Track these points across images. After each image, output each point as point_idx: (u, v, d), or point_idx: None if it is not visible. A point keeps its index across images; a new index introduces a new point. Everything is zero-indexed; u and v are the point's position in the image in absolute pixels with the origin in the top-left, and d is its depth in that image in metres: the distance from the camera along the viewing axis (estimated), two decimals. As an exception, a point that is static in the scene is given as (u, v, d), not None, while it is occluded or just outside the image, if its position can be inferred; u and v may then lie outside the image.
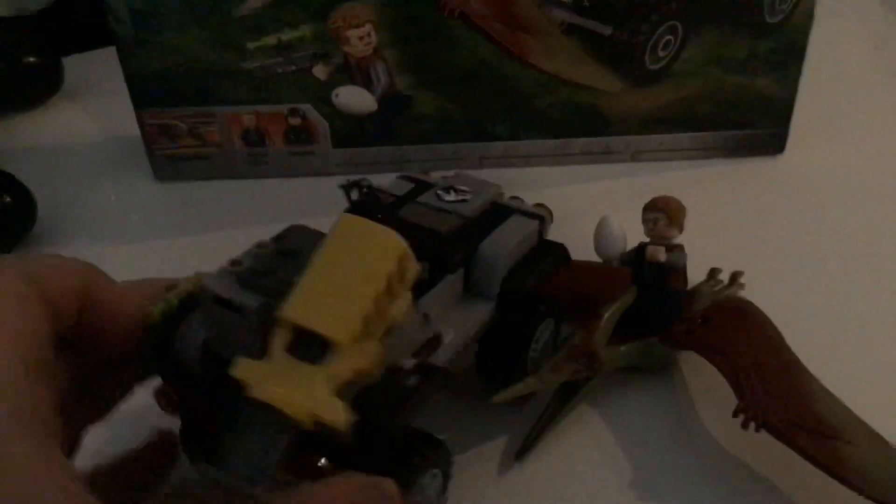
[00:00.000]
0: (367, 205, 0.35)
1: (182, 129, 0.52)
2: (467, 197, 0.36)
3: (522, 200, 0.39)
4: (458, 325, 0.33)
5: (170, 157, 0.53)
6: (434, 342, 0.31)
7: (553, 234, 0.48)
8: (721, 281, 0.40)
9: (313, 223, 0.33)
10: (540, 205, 0.39)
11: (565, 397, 0.37)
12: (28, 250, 0.48)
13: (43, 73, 0.63)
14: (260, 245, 0.30)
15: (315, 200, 0.53)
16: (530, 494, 0.34)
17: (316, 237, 0.30)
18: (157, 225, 0.51)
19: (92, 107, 0.64)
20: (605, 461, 0.35)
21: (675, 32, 0.49)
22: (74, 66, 0.64)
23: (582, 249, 0.44)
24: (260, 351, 0.26)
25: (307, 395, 0.24)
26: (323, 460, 0.27)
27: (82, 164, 0.57)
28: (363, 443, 0.26)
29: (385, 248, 0.26)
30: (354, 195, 0.35)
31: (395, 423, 0.28)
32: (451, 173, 0.39)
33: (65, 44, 0.66)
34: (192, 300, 0.29)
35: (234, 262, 0.28)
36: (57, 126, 0.62)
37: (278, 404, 0.23)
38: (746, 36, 0.50)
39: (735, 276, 0.39)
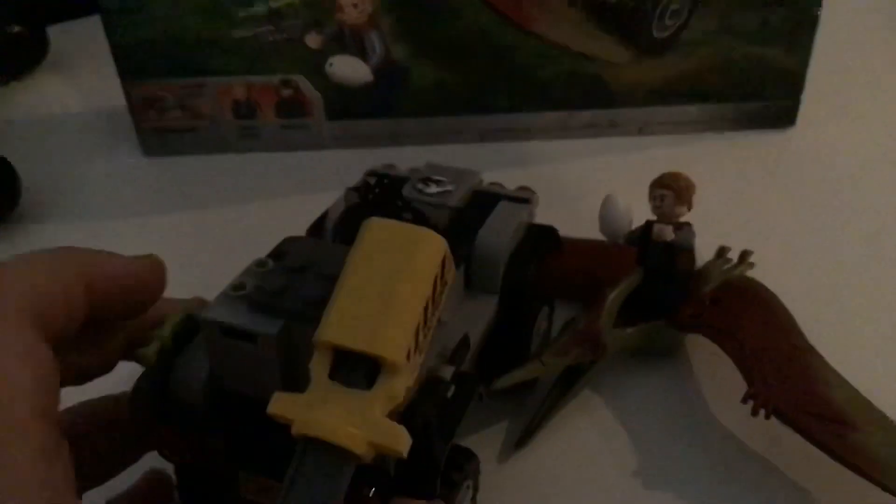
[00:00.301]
0: (388, 200, 0.33)
1: (170, 101, 0.50)
2: (449, 188, 0.34)
3: (502, 185, 0.37)
4: (471, 324, 0.31)
5: (158, 131, 0.52)
6: (464, 345, 0.29)
7: (556, 212, 0.47)
8: (730, 260, 0.39)
9: (308, 199, 0.31)
10: (524, 188, 0.37)
11: (568, 382, 0.35)
12: (12, 228, 0.47)
13: (27, 43, 0.62)
14: (259, 263, 0.27)
15: (309, 175, 0.52)
16: (531, 482, 0.33)
17: (320, 248, 0.28)
18: (145, 201, 0.50)
19: (77, 78, 0.62)
20: (607, 447, 0.35)
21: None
22: (59, 35, 0.63)
23: (586, 228, 0.43)
24: (281, 381, 0.24)
25: (365, 423, 0.21)
26: (372, 490, 0.25)
27: (68, 137, 0.56)
28: (408, 465, 0.23)
29: (427, 250, 0.24)
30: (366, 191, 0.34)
31: (445, 440, 0.26)
32: (420, 166, 0.37)
33: (49, 13, 0.65)
34: (184, 333, 0.27)
35: (236, 287, 0.26)
36: (41, 98, 0.60)
37: (337, 439, 0.21)
38: (758, 4, 0.48)
39: (745, 255, 0.38)
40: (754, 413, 0.32)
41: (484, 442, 0.35)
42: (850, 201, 0.47)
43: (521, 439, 0.34)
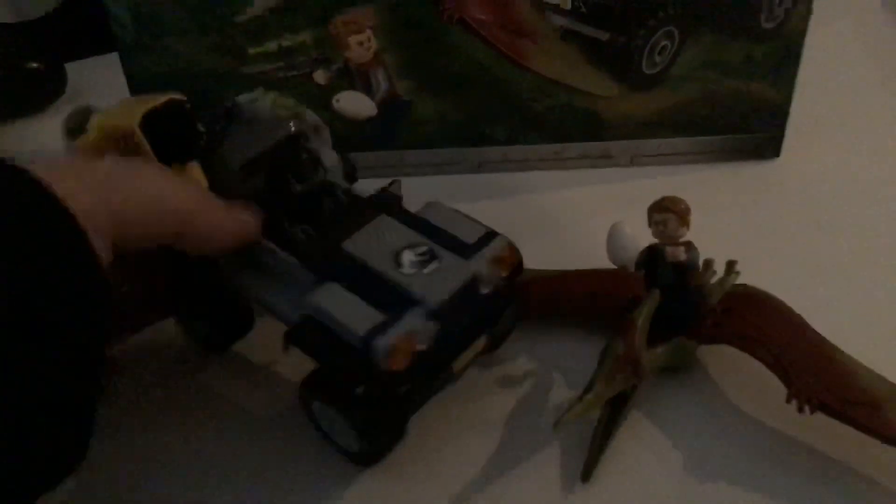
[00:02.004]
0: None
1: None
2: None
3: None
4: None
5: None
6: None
7: (552, 240, 0.49)
8: (715, 272, 0.40)
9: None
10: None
11: (614, 409, 0.37)
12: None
13: (46, 78, 0.63)
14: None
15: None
16: None
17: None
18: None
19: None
20: (665, 467, 0.36)
21: (672, 37, 0.50)
22: (77, 71, 0.64)
23: (582, 254, 0.45)
24: None
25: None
26: None
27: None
28: None
29: None
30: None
31: None
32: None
33: (67, 49, 0.66)
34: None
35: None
36: (60, 131, 0.61)
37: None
38: (742, 41, 0.50)
39: (730, 265, 0.39)
40: (800, 410, 0.34)
41: (539, 474, 0.36)
42: (834, 230, 0.49)
43: (585, 473, 0.36)
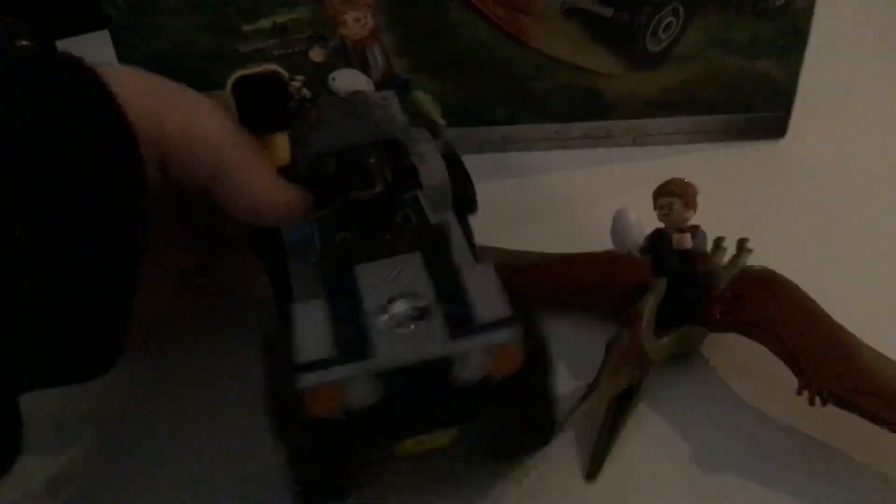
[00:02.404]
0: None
1: (177, 113, 0.51)
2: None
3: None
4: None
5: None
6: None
7: (554, 222, 0.48)
8: (726, 249, 0.39)
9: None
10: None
11: (621, 403, 0.36)
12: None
13: (36, 57, 0.62)
14: None
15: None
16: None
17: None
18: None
19: (86, 91, 0.63)
20: (672, 462, 0.36)
21: (677, 14, 0.49)
22: (68, 49, 0.64)
23: (584, 236, 0.44)
24: None
25: None
26: None
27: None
28: None
29: None
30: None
31: None
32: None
33: (58, 28, 0.66)
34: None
35: None
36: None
37: None
38: (749, 18, 0.49)
39: (742, 243, 0.38)
40: (811, 402, 0.33)
41: (547, 469, 0.35)
42: (840, 211, 0.48)
43: (591, 471, 0.35)
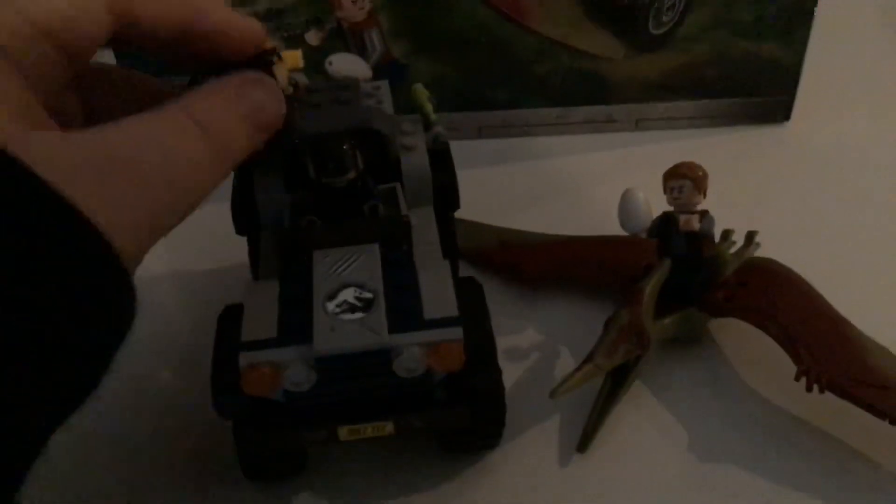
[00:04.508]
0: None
1: (171, 98, 0.51)
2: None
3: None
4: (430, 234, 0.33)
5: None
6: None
7: (554, 207, 0.48)
8: (734, 242, 0.39)
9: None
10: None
11: (617, 380, 0.36)
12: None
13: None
14: None
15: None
16: (595, 484, 0.34)
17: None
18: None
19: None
20: (664, 440, 0.36)
21: (680, -5, 0.48)
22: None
23: (585, 222, 0.44)
24: None
25: None
26: None
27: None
28: None
29: None
30: None
31: None
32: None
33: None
34: None
35: None
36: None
37: None
38: (753, 0, 0.48)
39: (750, 236, 0.39)
40: (809, 389, 0.33)
41: (538, 444, 0.36)
42: (844, 195, 0.48)
43: (582, 443, 0.35)
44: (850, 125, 0.53)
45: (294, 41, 0.48)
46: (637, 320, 0.35)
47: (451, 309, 0.30)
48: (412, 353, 0.29)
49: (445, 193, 0.36)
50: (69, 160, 0.20)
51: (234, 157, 0.25)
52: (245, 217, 0.34)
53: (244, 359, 0.28)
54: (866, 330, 0.36)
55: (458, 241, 0.38)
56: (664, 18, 0.49)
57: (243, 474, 0.34)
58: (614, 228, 0.39)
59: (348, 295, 0.30)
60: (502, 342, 0.39)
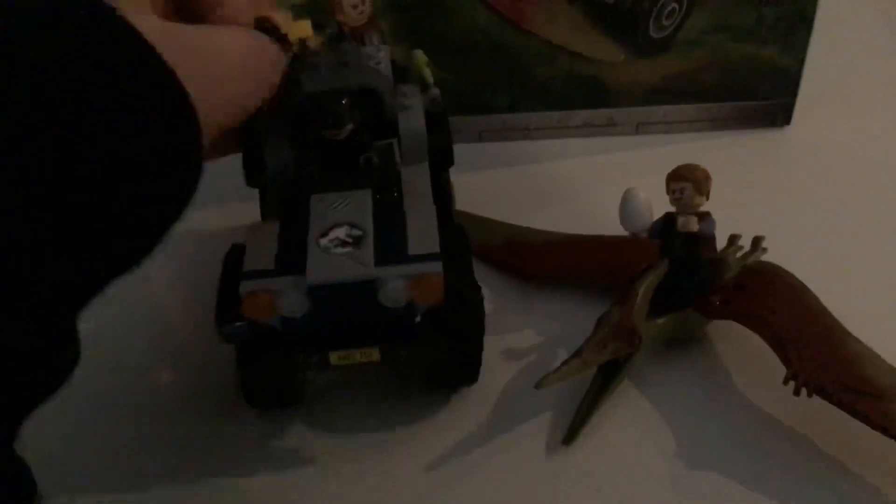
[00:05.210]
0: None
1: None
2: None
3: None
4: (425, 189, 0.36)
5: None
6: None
7: (555, 211, 0.48)
8: (742, 247, 0.39)
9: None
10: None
11: (607, 377, 0.36)
12: None
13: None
14: None
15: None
16: (580, 476, 0.35)
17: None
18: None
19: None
20: (650, 439, 0.36)
21: (680, 0, 0.48)
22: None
23: (585, 225, 0.44)
24: None
25: None
26: None
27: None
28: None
29: None
30: None
31: None
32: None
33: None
34: None
35: None
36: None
37: None
38: (753, 3, 0.48)
39: (757, 241, 0.39)
40: (796, 393, 0.33)
41: (528, 438, 0.36)
42: (845, 200, 0.48)
43: (568, 436, 0.35)
44: (850, 129, 0.53)
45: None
46: (627, 319, 0.35)
47: (434, 247, 0.32)
48: (396, 285, 0.31)
49: (440, 152, 0.38)
50: (172, 37, 0.23)
51: (272, 80, 0.30)
52: (255, 169, 0.36)
53: (244, 286, 0.31)
54: (866, 334, 0.36)
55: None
56: (665, 23, 0.49)
57: (245, 401, 0.36)
58: (614, 232, 0.40)
59: (340, 232, 0.32)
60: (503, 338, 0.40)
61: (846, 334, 0.35)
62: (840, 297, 0.37)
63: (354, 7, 0.44)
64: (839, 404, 0.33)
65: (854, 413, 0.32)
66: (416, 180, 0.36)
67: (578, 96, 0.51)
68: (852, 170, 0.50)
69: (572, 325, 0.39)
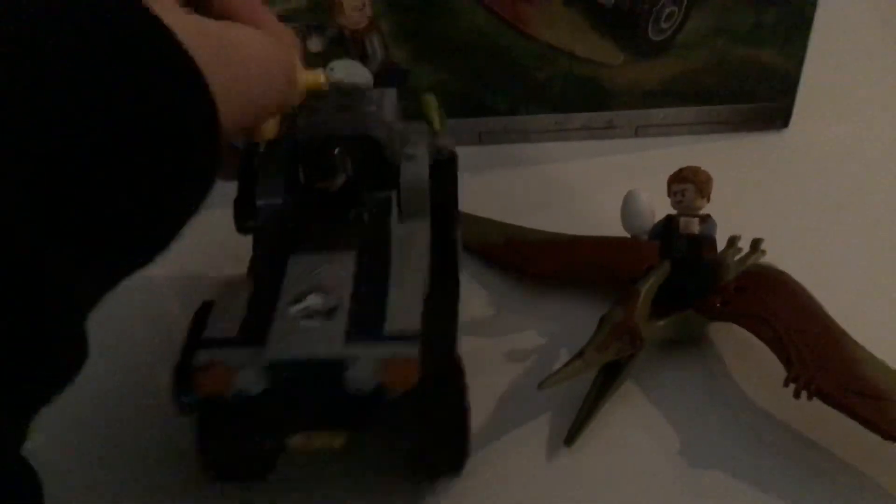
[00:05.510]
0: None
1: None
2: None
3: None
4: (419, 251, 0.33)
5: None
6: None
7: (554, 213, 0.48)
8: (741, 249, 0.39)
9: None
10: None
11: (608, 377, 0.36)
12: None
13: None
14: None
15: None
16: (582, 476, 0.35)
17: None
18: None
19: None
20: (652, 438, 0.36)
21: (679, 3, 0.48)
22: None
23: (585, 227, 0.44)
24: None
25: None
26: None
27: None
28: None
29: None
30: None
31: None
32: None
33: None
34: None
35: None
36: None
37: None
38: (752, 6, 0.48)
39: (756, 243, 0.39)
40: (797, 395, 0.33)
41: (530, 439, 0.36)
42: (843, 202, 0.48)
43: (570, 436, 0.35)
44: (848, 131, 0.53)
45: (295, 47, 0.49)
46: (630, 319, 0.36)
47: (413, 323, 0.29)
48: (364, 367, 0.28)
49: (444, 206, 0.35)
50: (194, 29, 0.23)
51: (293, 87, 0.29)
52: (245, 217, 0.35)
53: (199, 357, 0.28)
54: (864, 335, 0.36)
55: (464, 236, 0.38)
56: (663, 25, 0.49)
57: (202, 473, 0.33)
58: (613, 234, 0.40)
59: (313, 300, 0.29)
60: (504, 338, 0.40)
61: (845, 336, 0.36)
62: (838, 299, 0.37)
63: (355, 9, 0.44)
64: (839, 406, 0.33)
65: (854, 415, 0.33)
66: (412, 238, 0.33)
67: (578, 99, 0.52)
68: (850, 172, 0.50)
69: (574, 325, 0.39)
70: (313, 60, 0.48)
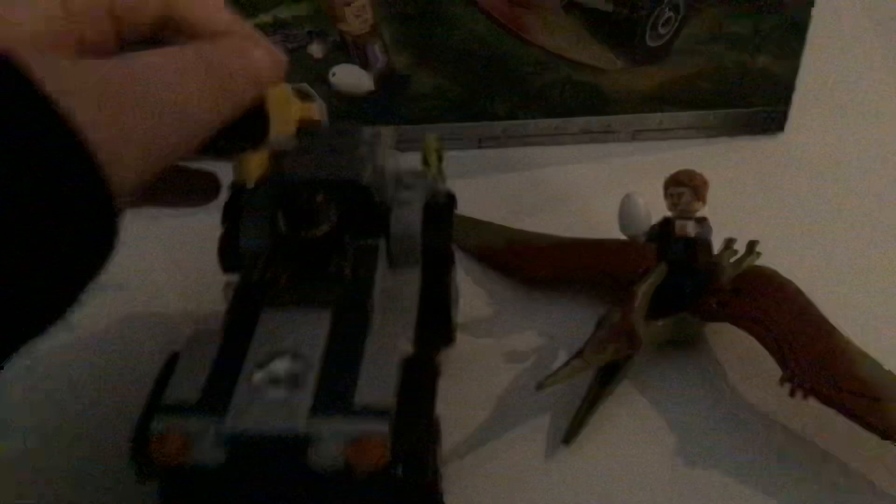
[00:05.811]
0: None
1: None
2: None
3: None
4: (407, 300, 0.32)
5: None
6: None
7: (553, 216, 0.48)
8: (737, 251, 0.40)
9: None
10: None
11: (606, 378, 0.37)
12: None
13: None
14: None
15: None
16: (580, 476, 0.35)
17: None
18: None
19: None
20: (649, 438, 0.36)
21: (677, 9, 0.49)
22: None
23: (583, 231, 0.44)
24: None
25: None
26: None
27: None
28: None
29: None
30: None
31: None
32: None
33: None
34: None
35: None
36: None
37: None
38: (748, 13, 0.49)
39: (751, 245, 0.40)
40: (792, 394, 0.34)
41: (528, 439, 0.37)
42: (838, 205, 0.48)
43: (568, 436, 0.36)
44: (843, 136, 0.53)
45: (297, 53, 0.49)
46: (628, 320, 0.36)
47: (386, 393, 0.26)
48: (329, 445, 0.25)
49: (437, 253, 0.34)
50: (74, 79, 0.20)
51: (235, 101, 0.25)
52: (229, 258, 0.33)
53: (155, 423, 0.26)
54: (860, 338, 0.36)
55: (464, 240, 0.37)
56: (661, 31, 0.49)
57: None
58: (611, 236, 0.40)
59: (280, 365, 0.27)
60: (503, 340, 0.40)
61: (842, 337, 0.36)
62: (833, 301, 0.38)
63: (356, 16, 0.44)
64: (834, 405, 0.33)
65: (848, 414, 0.33)
66: (400, 289, 0.31)
67: (576, 104, 0.52)
68: (845, 177, 0.50)
69: (572, 326, 0.40)
70: (315, 66, 0.50)
